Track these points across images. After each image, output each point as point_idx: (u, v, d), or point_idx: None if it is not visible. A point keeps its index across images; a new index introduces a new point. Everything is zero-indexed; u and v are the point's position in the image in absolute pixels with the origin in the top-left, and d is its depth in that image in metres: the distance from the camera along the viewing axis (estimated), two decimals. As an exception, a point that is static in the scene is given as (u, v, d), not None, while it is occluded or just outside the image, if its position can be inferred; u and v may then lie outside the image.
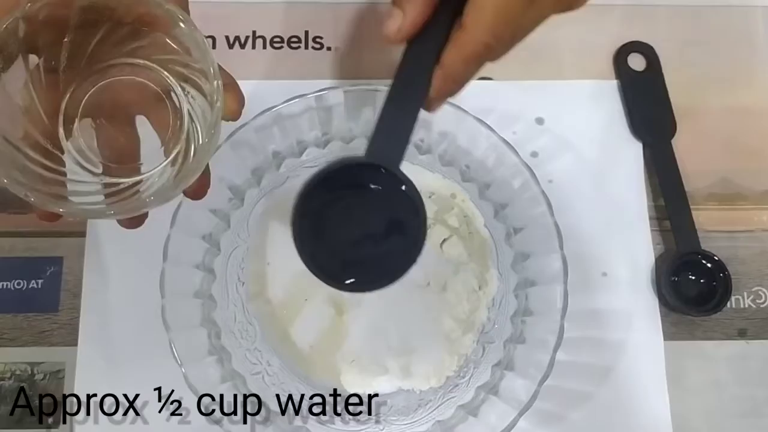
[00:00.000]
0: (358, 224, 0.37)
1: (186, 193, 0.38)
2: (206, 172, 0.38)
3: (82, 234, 0.52)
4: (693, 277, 0.52)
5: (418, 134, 0.51)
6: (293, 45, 0.58)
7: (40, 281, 0.52)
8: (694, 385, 0.51)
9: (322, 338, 0.49)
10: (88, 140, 0.37)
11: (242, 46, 0.58)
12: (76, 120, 0.36)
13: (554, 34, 0.58)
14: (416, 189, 0.36)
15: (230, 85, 0.37)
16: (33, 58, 0.35)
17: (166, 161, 0.36)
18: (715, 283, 0.52)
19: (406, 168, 0.51)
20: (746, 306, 0.53)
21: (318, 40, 0.58)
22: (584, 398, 0.50)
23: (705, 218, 0.54)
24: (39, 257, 0.52)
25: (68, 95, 0.36)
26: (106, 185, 0.37)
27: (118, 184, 0.36)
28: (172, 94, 0.37)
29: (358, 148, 0.52)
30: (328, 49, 0.58)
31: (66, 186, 0.35)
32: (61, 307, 0.51)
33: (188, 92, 0.37)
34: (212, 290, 0.48)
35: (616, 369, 0.51)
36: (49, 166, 0.35)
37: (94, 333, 0.50)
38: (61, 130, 0.36)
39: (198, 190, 0.39)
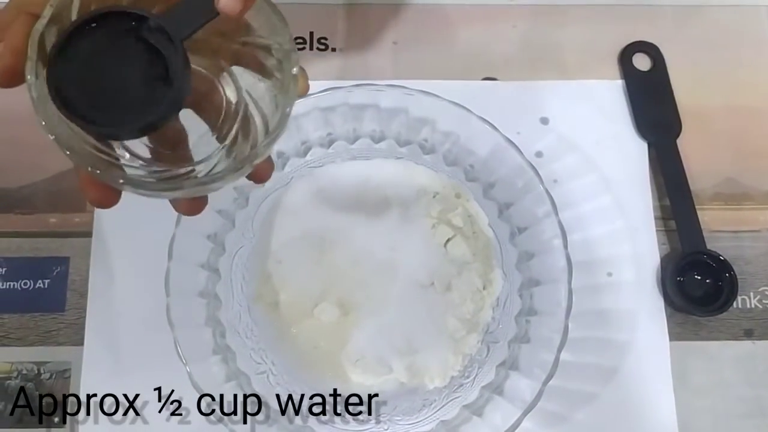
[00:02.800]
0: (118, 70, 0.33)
1: (250, 177, 0.37)
2: (269, 156, 0.37)
3: (88, 234, 0.52)
4: (698, 277, 0.52)
5: (421, 134, 0.51)
6: (298, 46, 0.58)
7: (46, 281, 0.52)
8: (700, 385, 0.51)
9: (327, 338, 0.49)
10: None
11: (247, 48, 0.58)
12: None
13: (559, 34, 0.59)
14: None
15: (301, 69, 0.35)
16: None
17: (221, 147, 0.35)
18: (720, 283, 0.51)
19: (410, 167, 0.52)
20: (752, 306, 0.53)
21: (323, 41, 0.58)
22: (589, 398, 0.50)
23: (710, 218, 0.54)
24: (45, 257, 0.52)
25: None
26: (157, 172, 0.36)
27: (170, 170, 0.35)
28: (225, 77, 0.36)
29: (361, 148, 0.52)
30: (333, 50, 0.58)
31: (123, 169, 0.34)
32: (67, 307, 0.51)
33: (241, 74, 0.36)
34: (217, 289, 0.48)
35: (621, 369, 0.50)
36: (102, 149, 0.34)
37: (100, 332, 0.50)
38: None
39: (263, 173, 0.37)
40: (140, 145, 0.36)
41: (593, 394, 0.50)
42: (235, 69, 0.36)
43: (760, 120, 0.57)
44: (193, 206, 0.37)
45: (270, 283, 0.50)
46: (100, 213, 0.53)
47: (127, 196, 0.51)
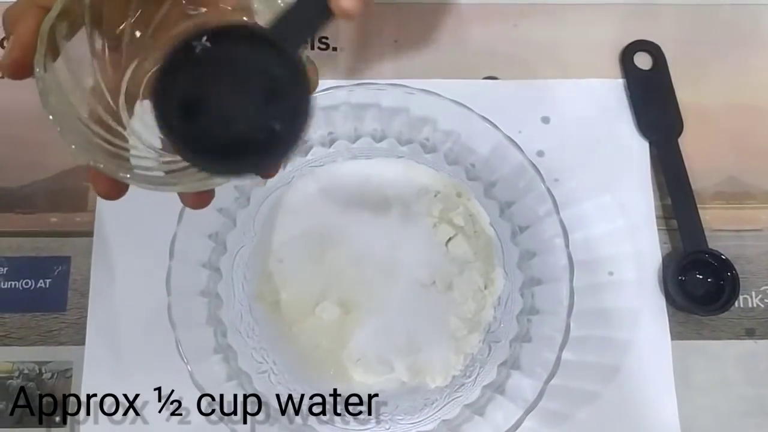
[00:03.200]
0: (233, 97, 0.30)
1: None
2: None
3: (90, 234, 0.52)
4: (700, 277, 0.52)
5: (423, 133, 0.51)
6: (299, 45, 0.58)
7: (47, 281, 0.52)
8: (702, 384, 0.51)
9: (328, 337, 0.49)
10: (150, 119, 0.32)
11: (248, 47, 0.58)
12: (138, 98, 0.35)
13: (560, 33, 0.59)
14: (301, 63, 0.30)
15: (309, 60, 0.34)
16: (98, 40, 0.34)
17: None
18: (722, 283, 0.51)
19: (411, 166, 0.52)
20: (754, 305, 0.53)
21: (324, 40, 0.58)
22: (591, 398, 0.50)
23: (712, 217, 0.54)
24: (47, 257, 0.52)
25: (129, 73, 0.35)
26: (166, 162, 0.35)
27: (179, 161, 0.34)
28: None
29: (363, 147, 0.52)
30: (334, 49, 0.58)
31: (130, 161, 0.34)
32: (68, 307, 0.51)
33: None
34: (218, 289, 0.48)
35: (623, 368, 0.50)
36: (113, 141, 0.34)
37: (101, 332, 0.50)
38: (122, 108, 0.35)
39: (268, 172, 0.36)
40: (154, 136, 0.35)
41: (595, 393, 0.50)
42: None
43: (762, 119, 0.57)
44: (198, 200, 0.37)
45: (271, 282, 0.50)
46: (101, 212, 0.53)
47: (132, 194, 0.52)
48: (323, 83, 0.48)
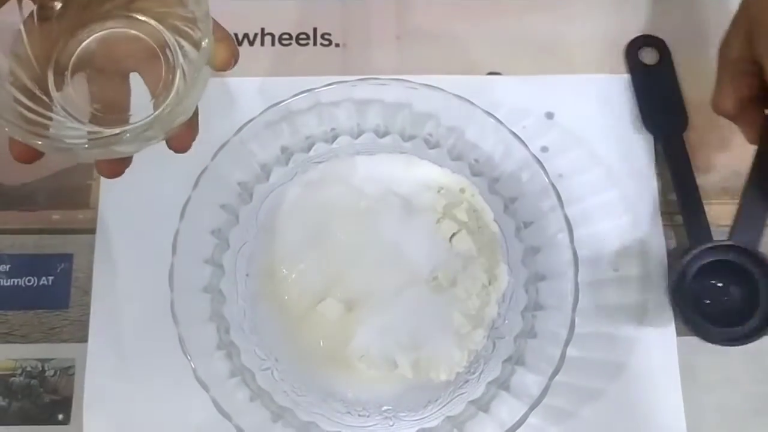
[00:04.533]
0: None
1: (170, 145, 0.38)
2: (192, 123, 0.38)
3: (92, 231, 0.52)
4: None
5: (426, 128, 0.51)
6: (302, 42, 0.58)
7: (50, 278, 0.52)
8: (708, 381, 0.50)
9: (331, 334, 0.49)
10: (79, 90, 0.37)
11: (251, 44, 0.58)
12: (68, 69, 0.37)
13: (564, 28, 0.58)
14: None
15: (224, 38, 0.36)
16: (28, 4, 0.35)
17: (153, 114, 0.36)
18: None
19: (414, 161, 0.52)
20: (760, 301, 0.52)
21: (326, 36, 0.58)
22: (596, 394, 0.49)
23: (717, 212, 0.53)
24: (49, 254, 0.52)
25: (61, 44, 0.36)
26: (90, 133, 0.36)
27: (102, 132, 0.36)
28: (167, 48, 0.37)
29: (365, 143, 0.52)
30: (337, 45, 0.58)
31: (48, 128, 0.35)
32: (71, 304, 0.51)
33: (183, 47, 0.37)
34: (221, 285, 0.48)
35: (628, 365, 0.50)
36: (34, 109, 0.35)
37: (103, 329, 0.50)
38: (51, 78, 0.36)
39: (182, 141, 0.38)
40: (79, 107, 0.37)
41: (600, 389, 0.50)
42: (178, 44, 0.37)
43: (768, 114, 0.57)
44: (112, 168, 0.37)
45: (274, 279, 0.50)
46: (103, 209, 0.53)
47: (134, 192, 0.52)
48: (326, 79, 0.48)
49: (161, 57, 0.37)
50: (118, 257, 0.52)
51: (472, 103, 0.48)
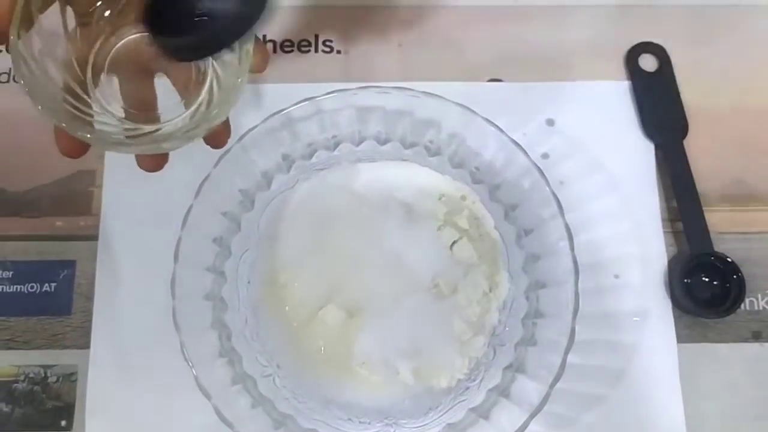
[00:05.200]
0: None
1: (209, 142, 0.41)
2: (227, 122, 0.41)
3: (95, 237, 0.53)
4: (706, 279, 0.52)
5: (427, 136, 0.51)
6: (303, 49, 0.58)
7: (53, 284, 0.52)
8: (708, 387, 0.51)
9: (333, 341, 0.49)
10: (114, 90, 0.40)
11: (253, 50, 0.58)
12: (104, 71, 0.40)
13: (565, 36, 0.59)
14: None
15: (258, 43, 0.39)
16: (69, 16, 0.38)
17: (186, 113, 0.39)
18: (728, 285, 0.51)
19: (415, 169, 0.52)
20: (760, 308, 0.52)
21: (328, 43, 0.58)
22: (597, 401, 0.50)
23: (718, 219, 0.53)
24: (52, 261, 0.53)
25: (97, 47, 0.40)
26: (127, 129, 0.40)
27: (139, 129, 0.39)
28: None
29: (367, 150, 0.52)
30: (338, 52, 0.58)
31: (93, 125, 0.38)
32: (73, 310, 0.52)
33: None
34: (223, 293, 0.48)
35: (628, 372, 0.50)
36: (79, 107, 0.38)
37: (106, 335, 0.50)
38: (89, 79, 0.39)
39: (219, 138, 0.42)
40: (115, 105, 0.40)
41: (601, 396, 0.50)
42: None
43: (768, 121, 0.57)
44: (154, 163, 0.40)
45: (275, 286, 0.50)
46: (106, 216, 0.53)
47: (137, 199, 0.52)
48: (328, 86, 0.49)
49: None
50: (120, 264, 0.52)
51: (473, 111, 0.48)
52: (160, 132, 0.39)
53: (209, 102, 0.39)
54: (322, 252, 0.50)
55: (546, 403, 0.43)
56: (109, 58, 0.40)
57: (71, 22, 0.39)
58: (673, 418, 0.50)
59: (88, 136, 0.36)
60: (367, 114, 0.50)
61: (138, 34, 0.40)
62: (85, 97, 0.39)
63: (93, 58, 0.40)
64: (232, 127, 0.42)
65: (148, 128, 0.39)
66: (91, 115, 0.38)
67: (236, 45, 0.37)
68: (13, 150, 0.55)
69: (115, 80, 0.40)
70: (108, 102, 0.40)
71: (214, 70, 0.40)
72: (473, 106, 0.48)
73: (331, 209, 0.51)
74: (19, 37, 0.35)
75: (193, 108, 0.39)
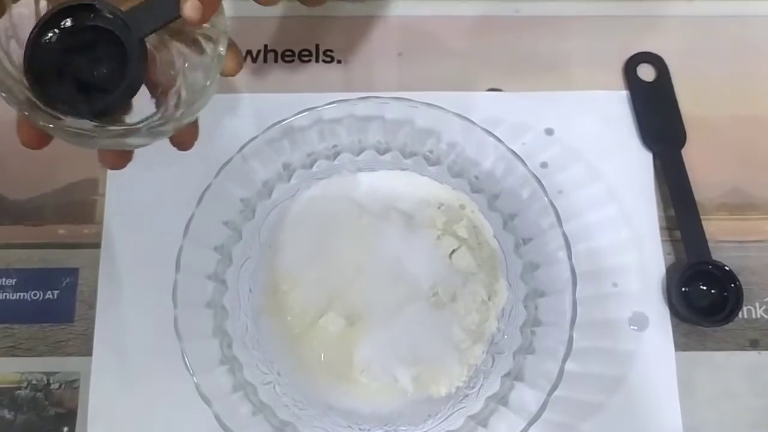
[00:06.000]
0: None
1: (175, 142, 0.41)
2: (195, 124, 0.41)
3: (97, 245, 0.53)
4: (704, 288, 0.52)
5: (426, 145, 0.51)
6: (304, 58, 0.59)
7: (55, 292, 0.53)
8: (706, 396, 0.51)
9: (333, 348, 0.49)
10: None
11: (254, 60, 0.58)
12: None
13: (563, 45, 0.59)
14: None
15: (231, 46, 0.39)
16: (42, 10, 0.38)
17: (156, 113, 0.39)
18: (726, 294, 0.51)
19: (415, 178, 0.52)
20: (758, 316, 0.53)
21: (329, 53, 0.59)
22: (595, 409, 0.50)
23: (716, 228, 0.54)
24: (55, 268, 0.53)
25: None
26: (96, 127, 0.39)
27: (107, 128, 0.39)
28: (167, 50, 0.40)
29: (367, 159, 0.53)
30: (339, 62, 0.59)
31: (60, 119, 0.38)
32: (76, 318, 0.52)
33: (184, 53, 0.40)
34: (224, 301, 0.49)
35: (626, 379, 0.50)
36: (45, 113, 0.37)
37: (108, 343, 0.51)
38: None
39: (185, 140, 0.42)
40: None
41: (599, 404, 0.50)
42: (177, 44, 0.40)
43: (765, 130, 0.57)
44: (116, 160, 0.41)
45: (276, 294, 0.50)
46: (108, 224, 0.53)
47: (139, 209, 0.52)
48: (328, 96, 0.49)
49: (161, 58, 0.40)
50: (122, 272, 0.52)
51: (472, 122, 0.48)
52: (125, 128, 0.39)
53: (177, 102, 0.39)
54: (323, 260, 0.51)
55: (544, 411, 0.43)
56: None
57: (42, 10, 0.39)
58: (670, 426, 0.50)
59: (51, 126, 0.36)
60: (367, 124, 0.50)
61: None
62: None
63: None
64: (233, 136, 0.43)
65: (116, 129, 0.39)
66: (59, 110, 0.38)
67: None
68: (17, 158, 0.55)
69: None
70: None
71: (184, 71, 0.40)
72: (472, 115, 0.48)
73: (331, 218, 0.51)
74: None
75: (162, 108, 0.39)
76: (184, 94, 0.39)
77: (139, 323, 0.51)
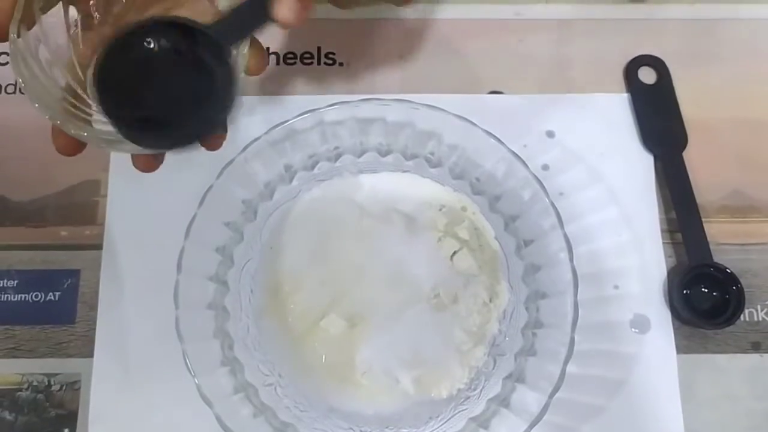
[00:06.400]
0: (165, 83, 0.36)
1: (203, 143, 0.39)
2: (223, 128, 0.40)
3: (99, 247, 0.53)
4: (705, 290, 0.52)
5: (428, 147, 0.51)
6: (306, 61, 0.59)
7: (57, 293, 0.53)
8: (708, 398, 0.51)
9: (334, 350, 0.49)
10: None
11: (256, 62, 0.58)
12: None
13: (565, 48, 0.59)
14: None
15: (255, 44, 0.38)
16: (72, 18, 0.39)
17: None
18: (727, 296, 0.51)
19: (416, 180, 0.53)
20: (760, 319, 0.53)
21: (330, 56, 0.59)
22: (596, 411, 0.50)
23: (717, 231, 0.54)
24: (56, 270, 0.53)
25: (99, 51, 0.37)
26: None
27: None
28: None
29: (368, 161, 0.53)
30: (341, 64, 0.59)
31: (92, 125, 0.38)
32: (77, 319, 0.52)
33: None
34: (225, 302, 0.49)
35: (628, 382, 0.50)
36: (78, 106, 0.38)
37: (109, 344, 0.51)
38: (89, 79, 0.38)
39: (215, 141, 0.41)
40: None
41: (600, 406, 0.50)
42: None
43: (767, 132, 0.57)
44: (148, 163, 0.41)
45: (277, 296, 0.50)
46: (110, 226, 0.53)
47: (141, 210, 0.52)
48: (330, 98, 0.49)
49: None
50: (124, 273, 0.52)
51: (473, 123, 0.48)
52: None
53: None
54: (324, 262, 0.51)
55: (545, 413, 0.43)
56: None
57: (72, 23, 0.39)
58: (672, 428, 0.50)
59: (84, 134, 0.36)
60: (369, 126, 0.50)
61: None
62: (85, 96, 0.39)
63: (94, 59, 0.38)
64: (235, 138, 0.43)
65: None
66: (90, 115, 0.38)
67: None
68: (19, 160, 0.55)
69: None
70: None
71: None
72: (474, 118, 0.48)
73: (332, 220, 0.52)
74: (19, 36, 0.35)
75: None
76: None
77: (140, 325, 0.51)
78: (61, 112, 0.37)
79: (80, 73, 0.39)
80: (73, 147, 0.38)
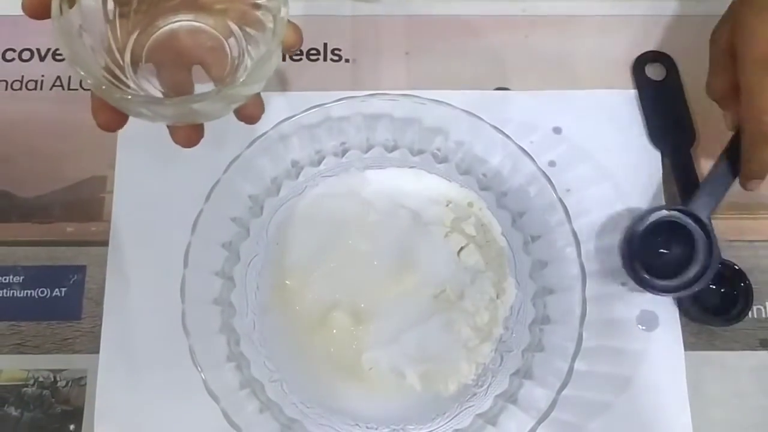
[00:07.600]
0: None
1: (240, 115, 0.41)
2: (259, 98, 0.41)
3: (105, 243, 0.53)
4: (713, 287, 0.52)
5: (434, 143, 0.51)
6: (312, 57, 0.59)
7: (63, 289, 0.53)
8: (716, 395, 0.51)
9: (340, 346, 0.49)
10: (151, 78, 0.40)
11: (262, 59, 0.58)
12: (141, 60, 0.40)
13: (572, 44, 0.59)
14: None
15: (290, 22, 0.38)
16: (110, 6, 0.39)
17: (235, 80, 0.38)
18: (735, 293, 0.51)
19: (423, 176, 0.52)
20: (768, 316, 0.52)
21: (336, 52, 0.59)
22: (603, 408, 0.50)
23: (725, 227, 0.53)
24: (62, 266, 0.53)
25: (135, 36, 0.40)
26: (165, 95, 0.40)
27: (176, 98, 0.39)
28: (232, 37, 0.40)
29: (375, 157, 0.53)
30: (347, 61, 0.59)
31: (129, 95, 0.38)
32: (83, 315, 0.52)
33: (250, 34, 0.39)
34: (231, 297, 0.48)
35: (635, 379, 0.50)
36: (118, 86, 0.38)
37: (115, 340, 0.51)
38: (127, 64, 0.39)
39: (253, 112, 0.41)
40: (152, 88, 0.40)
41: (607, 403, 0.50)
42: (244, 32, 0.40)
43: (775, 129, 0.57)
44: (189, 137, 0.40)
45: (284, 291, 0.50)
46: (116, 222, 0.53)
47: (147, 205, 0.52)
48: (336, 94, 0.49)
49: (226, 46, 0.40)
50: (130, 269, 0.52)
51: (480, 118, 0.48)
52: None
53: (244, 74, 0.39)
54: (330, 258, 0.50)
55: (553, 410, 0.43)
56: (146, 47, 0.40)
57: (111, 10, 0.39)
58: (680, 425, 0.50)
59: (129, 97, 0.36)
60: (376, 121, 0.50)
61: (177, 23, 0.41)
62: (124, 78, 0.39)
63: (131, 46, 0.40)
64: (242, 134, 0.43)
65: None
66: (128, 87, 0.39)
67: None
68: (26, 156, 0.55)
69: (152, 69, 0.41)
70: (146, 88, 0.40)
71: (249, 54, 0.40)
72: (480, 114, 0.48)
73: (339, 215, 0.51)
74: (61, 13, 0.35)
75: (242, 76, 0.38)
76: (249, 64, 0.39)
77: (146, 321, 0.51)
78: (105, 81, 0.37)
79: (119, 58, 0.39)
80: (115, 121, 0.38)
